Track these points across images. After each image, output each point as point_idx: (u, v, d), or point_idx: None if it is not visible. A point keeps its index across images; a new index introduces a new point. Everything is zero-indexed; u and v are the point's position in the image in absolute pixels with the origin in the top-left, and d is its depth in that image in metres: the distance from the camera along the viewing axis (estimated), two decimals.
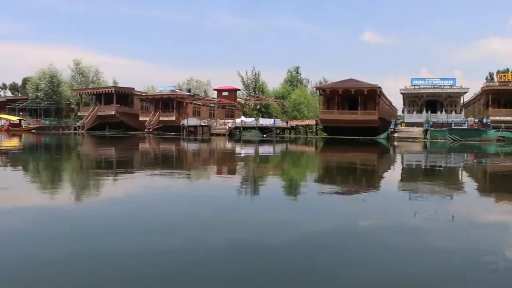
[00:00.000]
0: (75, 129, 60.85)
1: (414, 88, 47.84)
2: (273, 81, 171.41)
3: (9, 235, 4.47)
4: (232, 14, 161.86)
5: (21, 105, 66.81)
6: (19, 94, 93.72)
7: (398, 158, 20.87)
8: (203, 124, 53.23)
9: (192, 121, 52.82)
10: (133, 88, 63.44)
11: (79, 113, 63.43)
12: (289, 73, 79.01)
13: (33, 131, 56.84)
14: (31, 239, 4.24)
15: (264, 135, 46.46)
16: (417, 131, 42.40)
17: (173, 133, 50.10)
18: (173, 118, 55.31)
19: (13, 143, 29.27)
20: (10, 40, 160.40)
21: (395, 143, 35.05)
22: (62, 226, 4.88)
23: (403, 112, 54.69)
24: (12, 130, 56.67)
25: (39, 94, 67.18)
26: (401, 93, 48.59)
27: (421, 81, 48.63)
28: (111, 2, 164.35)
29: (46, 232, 4.58)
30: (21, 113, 65.53)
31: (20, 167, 13.18)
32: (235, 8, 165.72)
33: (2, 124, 60.77)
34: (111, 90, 59.83)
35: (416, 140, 39.60)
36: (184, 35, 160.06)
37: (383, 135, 44.06)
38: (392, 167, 15.63)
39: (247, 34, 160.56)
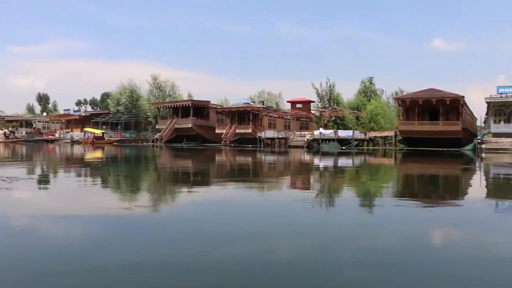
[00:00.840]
0: (153, 141, 63.52)
1: (501, 96, 45.50)
2: (343, 92, 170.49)
3: (95, 239, 5.02)
4: (297, 24, 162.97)
5: (103, 119, 70.69)
6: (98, 109, 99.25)
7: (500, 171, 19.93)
8: (280, 136, 53.60)
9: (269, 133, 53.36)
10: (209, 101, 65.31)
11: (157, 126, 66.08)
12: (362, 84, 77.92)
13: (115, 143, 59.97)
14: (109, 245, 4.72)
15: (343, 147, 46.08)
16: (507, 141, 40.30)
17: (250, 146, 50.88)
18: (249, 131, 56.25)
19: (97, 154, 31.57)
20: (87, 58, 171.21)
21: (483, 155, 33.54)
22: (136, 233, 5.33)
23: (485, 122, 52.17)
24: (96, 142, 60.11)
25: (119, 108, 70.75)
26: (487, 102, 46.29)
27: (509, 88, 46.17)
28: (175, 17, 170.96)
29: (123, 240, 4.99)
30: (103, 126, 69.40)
31: (104, 177, 14.28)
32: (300, 19, 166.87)
33: (87, 137, 64.61)
34: (188, 104, 61.90)
35: (507, 151, 37.61)
36: (249, 47, 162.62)
37: (469, 147, 42.34)
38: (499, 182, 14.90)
39: (312, 45, 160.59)
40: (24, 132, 79.43)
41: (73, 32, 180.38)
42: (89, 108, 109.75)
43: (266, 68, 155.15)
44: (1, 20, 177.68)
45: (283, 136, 53.67)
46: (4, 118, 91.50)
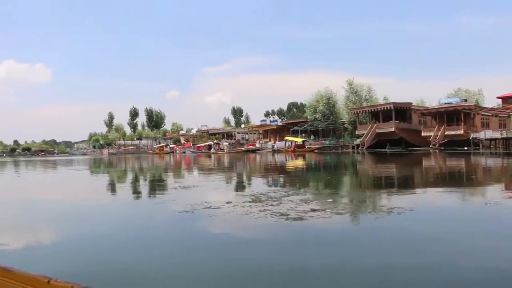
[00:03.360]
0: (353, 148, 63.62)
1: None
2: None
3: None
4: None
5: (301, 127, 73.20)
6: (285, 118, 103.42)
7: None
8: (503, 136, 48.79)
9: (489, 133, 49.09)
10: (411, 103, 63.18)
11: (356, 132, 66.06)
12: None
13: (315, 151, 61.56)
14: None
15: None
16: None
17: (465, 148, 47.55)
18: (461, 132, 52.69)
19: (299, 162, 32.89)
20: (267, 72, 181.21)
21: None
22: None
23: None
24: (297, 150, 62.54)
25: (316, 116, 72.52)
26: None
27: None
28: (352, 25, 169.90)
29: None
30: (303, 134, 71.83)
31: (310, 183, 14.78)
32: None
33: (288, 145, 67.59)
34: (390, 107, 60.57)
35: None
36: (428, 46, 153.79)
37: None
38: None
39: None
40: (227, 143, 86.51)
41: (252, 50, 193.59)
42: (276, 118, 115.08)
43: (451, 64, 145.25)
44: (195, 47, 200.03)
45: (506, 136, 48.56)
46: (208, 132, 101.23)
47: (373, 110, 63.85)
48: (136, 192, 13.60)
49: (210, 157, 56.06)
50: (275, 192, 10.34)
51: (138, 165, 36.96)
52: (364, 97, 72.87)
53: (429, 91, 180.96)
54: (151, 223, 7.37)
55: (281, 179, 16.98)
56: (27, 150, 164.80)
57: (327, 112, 72.12)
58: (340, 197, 9.73)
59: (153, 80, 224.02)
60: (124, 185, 16.41)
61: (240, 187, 14.32)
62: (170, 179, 18.85)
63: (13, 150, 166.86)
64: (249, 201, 8.80)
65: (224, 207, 8.15)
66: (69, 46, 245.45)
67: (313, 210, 7.50)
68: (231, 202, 8.70)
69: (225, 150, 75.70)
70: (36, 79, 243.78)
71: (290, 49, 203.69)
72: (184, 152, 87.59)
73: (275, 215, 7.09)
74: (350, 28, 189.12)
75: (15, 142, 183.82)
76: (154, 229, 6.77)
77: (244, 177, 18.98)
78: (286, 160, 37.21)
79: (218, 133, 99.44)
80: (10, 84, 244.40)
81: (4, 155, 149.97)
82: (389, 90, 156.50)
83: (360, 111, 66.62)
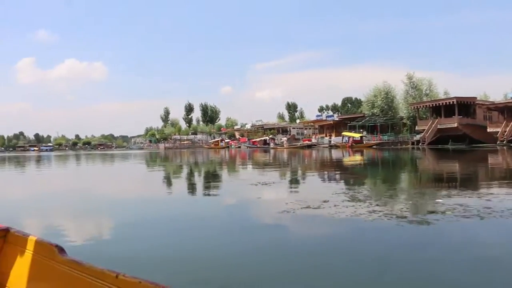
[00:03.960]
0: (412, 144, 62.10)
1: None
2: None
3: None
4: None
5: (359, 122, 72.20)
6: (339, 114, 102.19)
7: None
8: None
9: None
10: (475, 98, 60.94)
11: (416, 127, 64.41)
12: None
13: (373, 147, 60.63)
14: None
15: None
16: None
17: None
18: None
19: (357, 158, 32.35)
20: (321, 67, 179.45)
21: None
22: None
23: None
24: (355, 146, 61.81)
25: (374, 111, 71.30)
26: None
27: None
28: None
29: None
30: (361, 130, 70.84)
31: (398, 181, 14.39)
32: None
33: (346, 141, 66.90)
34: (452, 102, 58.61)
35: None
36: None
37: None
38: None
39: None
40: (283, 138, 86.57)
41: (303, 45, 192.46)
42: (330, 113, 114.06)
43: None
44: (247, 41, 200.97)
45: None
46: (263, 126, 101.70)
47: (434, 105, 62.02)
48: (215, 188, 13.14)
49: (266, 152, 56.24)
50: (368, 190, 10.11)
51: (201, 159, 37.58)
52: (424, 92, 70.88)
53: (492, 86, 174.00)
54: (258, 228, 6.44)
55: (360, 176, 16.81)
56: (87, 144, 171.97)
57: (385, 107, 70.70)
58: (448, 197, 8.84)
59: (207, 76, 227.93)
60: (200, 181, 16.11)
61: (322, 183, 14.07)
62: (244, 175, 18.65)
63: (74, 144, 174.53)
64: (348, 200, 8.33)
65: (325, 207, 7.58)
66: (125, 45, 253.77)
67: (432, 212, 6.89)
68: (328, 201, 8.15)
69: (285, 145, 75.82)
70: (95, 76, 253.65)
71: (341, 43, 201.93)
72: (240, 147, 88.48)
73: (391, 216, 6.56)
74: (406, 21, 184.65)
75: (77, 136, 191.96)
76: (263, 235, 5.89)
77: (319, 173, 18.68)
78: (348, 156, 36.86)
79: (273, 128, 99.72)
80: (72, 82, 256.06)
81: (67, 148, 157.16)
82: (449, 85, 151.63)
83: (420, 106, 64.90)
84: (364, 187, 11.84)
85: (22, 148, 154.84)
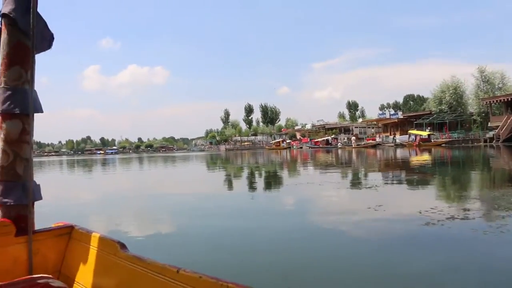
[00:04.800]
0: (485, 141, 59.19)
1: None
2: None
3: None
4: None
5: (426, 120, 69.81)
6: (401, 111, 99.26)
7: None
8: None
9: None
10: None
11: (489, 124, 61.42)
12: None
13: (443, 145, 58.27)
14: None
15: None
16: None
17: None
18: None
19: (424, 157, 30.74)
20: (379, 64, 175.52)
21: None
22: None
23: None
24: (422, 145, 59.63)
25: (442, 107, 68.73)
26: None
27: None
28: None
29: None
30: (428, 128, 68.44)
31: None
32: None
33: (412, 139, 64.76)
34: None
35: None
36: None
37: None
38: None
39: None
40: (346, 138, 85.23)
41: (359, 43, 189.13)
42: (393, 112, 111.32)
43: None
44: (303, 41, 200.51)
45: None
46: (324, 126, 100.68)
47: (509, 99, 58.91)
48: (303, 194, 11.34)
49: (328, 152, 55.23)
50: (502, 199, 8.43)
51: (265, 160, 37.22)
52: (497, 86, 67.55)
53: None
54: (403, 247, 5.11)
55: (450, 177, 15.81)
56: (149, 146, 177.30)
57: (454, 103, 67.99)
58: None
59: (264, 78, 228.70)
60: (278, 184, 15.46)
61: (427, 185, 12.55)
62: (330, 177, 16.79)
63: (137, 147, 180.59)
64: (487, 212, 7.06)
65: (468, 219, 6.23)
66: (185, 48, 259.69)
67: None
68: (469, 210, 6.91)
69: (353, 145, 74.46)
70: (155, 80, 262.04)
71: (397, 39, 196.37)
72: (301, 147, 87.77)
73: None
74: (466, 14, 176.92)
75: (139, 139, 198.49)
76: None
77: (410, 174, 17.08)
78: (417, 155, 35.29)
79: (335, 128, 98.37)
80: (134, 86, 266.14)
81: (130, 151, 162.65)
82: None
83: (493, 101, 61.78)
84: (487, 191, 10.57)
85: (89, 152, 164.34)
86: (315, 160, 32.81)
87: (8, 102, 2.02)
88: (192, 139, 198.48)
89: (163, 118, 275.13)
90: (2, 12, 2.05)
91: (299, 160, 34.70)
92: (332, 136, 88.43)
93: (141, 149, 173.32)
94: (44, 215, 3.03)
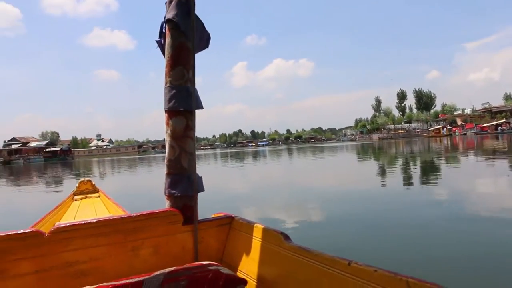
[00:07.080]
0: None
1: None
2: None
3: None
4: None
5: None
6: None
7: None
8: None
9: None
10: None
11: None
12: None
13: None
14: None
15: None
16: None
17: None
18: None
19: None
20: None
21: None
22: None
23: None
24: None
25: None
26: None
27: None
28: None
29: None
30: None
31: None
32: None
33: None
34: None
35: None
36: None
37: None
38: None
39: None
40: None
41: None
42: None
43: None
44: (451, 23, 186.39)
45: None
46: (491, 110, 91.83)
47: None
48: None
49: (499, 138, 49.11)
50: None
51: (434, 149, 33.91)
52: None
53: None
54: None
55: None
56: (298, 138, 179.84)
57: None
58: None
59: (412, 62, 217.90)
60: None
61: None
62: None
63: (287, 138, 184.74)
64: None
65: None
66: (329, 38, 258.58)
67: None
68: None
69: None
70: (301, 73, 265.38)
71: None
72: (465, 134, 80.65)
73: None
74: None
75: (288, 131, 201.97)
76: None
77: None
78: None
79: (504, 111, 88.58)
80: (280, 80, 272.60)
81: (280, 143, 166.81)
82: None
83: None
84: None
85: (241, 144, 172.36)
86: (493, 149, 28.74)
87: (174, 101, 2.13)
88: (340, 129, 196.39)
89: (310, 109, 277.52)
90: (166, 18, 2.16)
91: (473, 149, 30.77)
92: (503, 121, 79.78)
93: (290, 140, 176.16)
94: (207, 204, 3.00)
